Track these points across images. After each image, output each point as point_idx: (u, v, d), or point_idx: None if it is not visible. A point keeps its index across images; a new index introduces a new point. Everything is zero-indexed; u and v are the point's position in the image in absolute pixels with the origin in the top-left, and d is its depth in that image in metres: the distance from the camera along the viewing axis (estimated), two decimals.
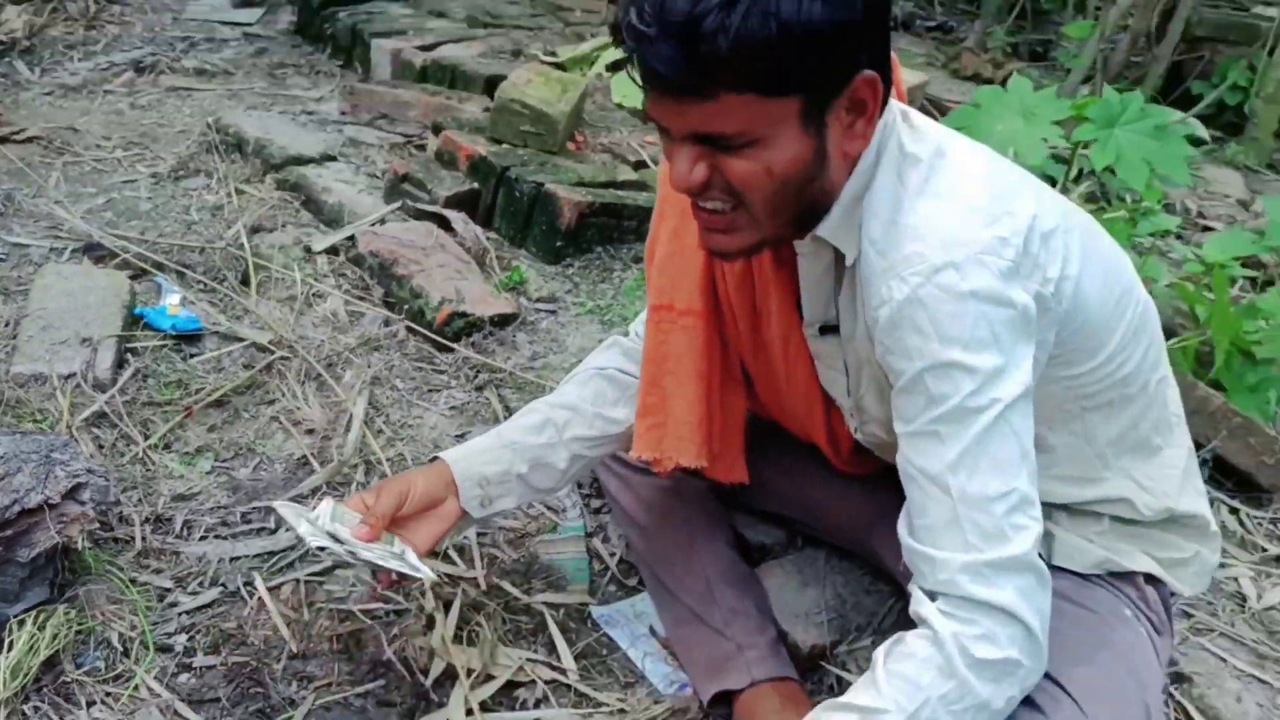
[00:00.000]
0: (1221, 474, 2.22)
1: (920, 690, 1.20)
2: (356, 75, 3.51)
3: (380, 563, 1.32)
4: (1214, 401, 2.22)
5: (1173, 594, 1.47)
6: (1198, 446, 2.04)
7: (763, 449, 1.64)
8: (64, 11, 3.73)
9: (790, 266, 1.38)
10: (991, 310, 1.17)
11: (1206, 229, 3.72)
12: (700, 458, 1.48)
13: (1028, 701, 1.25)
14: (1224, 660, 1.75)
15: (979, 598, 1.18)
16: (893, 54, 1.25)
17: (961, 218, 1.20)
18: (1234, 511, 2.18)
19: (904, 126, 1.29)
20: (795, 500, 1.76)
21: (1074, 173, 2.97)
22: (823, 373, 1.47)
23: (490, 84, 3.16)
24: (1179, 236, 3.62)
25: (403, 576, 1.37)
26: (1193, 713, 1.64)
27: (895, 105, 1.28)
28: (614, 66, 3.35)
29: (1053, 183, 2.74)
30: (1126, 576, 1.43)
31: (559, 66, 3.45)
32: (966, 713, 1.20)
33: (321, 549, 1.31)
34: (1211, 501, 2.19)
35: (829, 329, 1.40)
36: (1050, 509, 1.37)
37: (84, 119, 3.07)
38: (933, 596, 1.22)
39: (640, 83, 1.14)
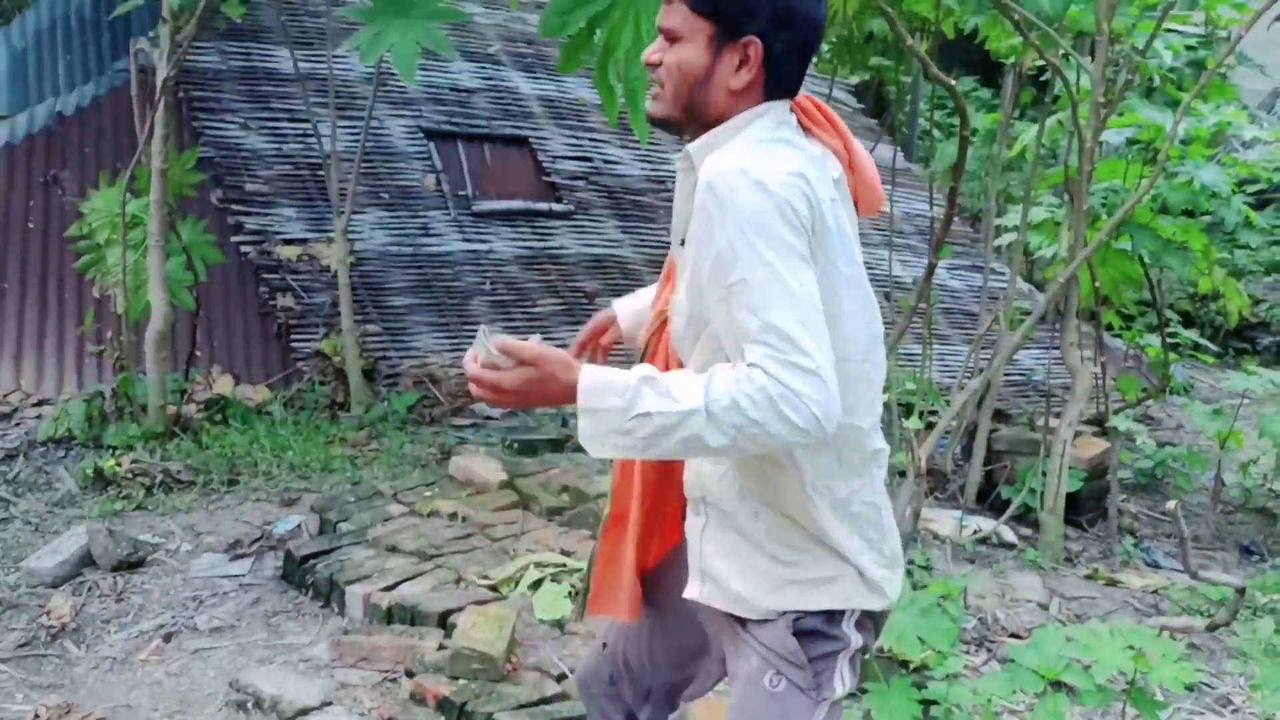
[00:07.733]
0: None
1: (717, 376, 1.67)
2: (334, 614, 4.44)
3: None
4: None
5: None
6: None
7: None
8: (98, 589, 4.66)
9: None
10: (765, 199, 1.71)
11: (1014, 636, 4.68)
12: None
13: None
14: None
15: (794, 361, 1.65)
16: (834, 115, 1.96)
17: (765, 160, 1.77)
18: None
19: (786, 127, 1.88)
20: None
21: None
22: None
23: (442, 618, 4.14)
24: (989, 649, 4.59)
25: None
26: None
27: (791, 113, 1.91)
28: (534, 586, 4.40)
29: None
30: None
31: (492, 588, 4.47)
32: (754, 396, 1.62)
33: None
34: None
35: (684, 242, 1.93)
36: None
37: (133, 693, 3.89)
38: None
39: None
